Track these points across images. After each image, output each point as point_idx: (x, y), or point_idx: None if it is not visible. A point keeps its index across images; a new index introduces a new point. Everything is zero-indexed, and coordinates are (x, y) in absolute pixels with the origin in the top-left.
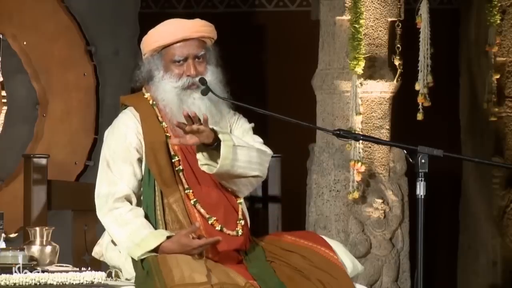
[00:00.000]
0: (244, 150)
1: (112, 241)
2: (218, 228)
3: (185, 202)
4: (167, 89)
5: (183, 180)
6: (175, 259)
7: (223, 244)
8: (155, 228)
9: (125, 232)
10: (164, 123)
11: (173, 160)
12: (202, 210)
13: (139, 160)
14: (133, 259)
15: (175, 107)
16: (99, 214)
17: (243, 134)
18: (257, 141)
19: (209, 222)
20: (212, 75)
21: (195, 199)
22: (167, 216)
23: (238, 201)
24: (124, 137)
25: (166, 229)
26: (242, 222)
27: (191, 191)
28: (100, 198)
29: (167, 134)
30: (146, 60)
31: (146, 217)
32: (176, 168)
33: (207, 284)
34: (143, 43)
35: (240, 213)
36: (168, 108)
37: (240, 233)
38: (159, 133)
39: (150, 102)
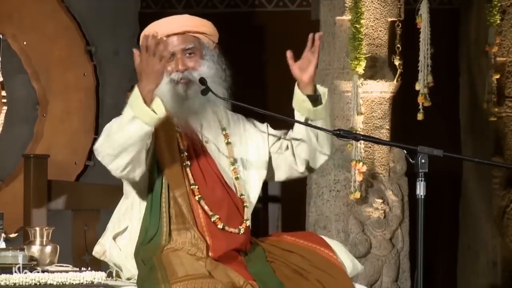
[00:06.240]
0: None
1: (113, 239)
2: (220, 226)
3: (190, 197)
4: (161, 88)
5: (189, 176)
6: (178, 258)
7: (224, 242)
8: (159, 221)
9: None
10: (175, 118)
11: (181, 155)
12: (206, 207)
13: (148, 150)
14: (136, 257)
15: (169, 104)
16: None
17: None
18: None
19: (212, 219)
20: (208, 70)
21: (199, 196)
22: (171, 209)
23: (244, 204)
24: None
25: (170, 222)
26: (248, 222)
27: (196, 187)
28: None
29: (178, 129)
30: None
31: (151, 208)
32: (184, 163)
33: (208, 277)
34: None
35: (245, 213)
36: (166, 104)
37: (241, 232)
38: (169, 127)
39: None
